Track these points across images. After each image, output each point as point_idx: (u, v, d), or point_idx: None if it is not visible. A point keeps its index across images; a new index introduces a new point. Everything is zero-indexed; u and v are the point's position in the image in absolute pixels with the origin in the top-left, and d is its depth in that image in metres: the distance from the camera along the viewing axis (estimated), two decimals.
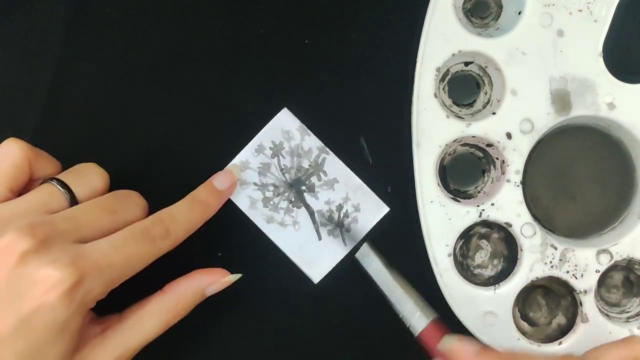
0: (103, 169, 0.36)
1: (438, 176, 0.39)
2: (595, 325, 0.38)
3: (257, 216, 0.39)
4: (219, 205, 0.37)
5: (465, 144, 0.40)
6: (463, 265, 0.40)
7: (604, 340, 0.36)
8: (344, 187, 0.39)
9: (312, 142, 0.39)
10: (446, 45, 0.38)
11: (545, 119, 0.38)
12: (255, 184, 0.39)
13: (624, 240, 0.39)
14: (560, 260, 0.38)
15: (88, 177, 0.35)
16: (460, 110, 0.40)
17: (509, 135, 0.38)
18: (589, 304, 0.38)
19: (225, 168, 0.39)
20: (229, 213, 0.39)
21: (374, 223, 0.40)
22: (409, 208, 0.39)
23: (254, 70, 0.40)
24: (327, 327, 0.40)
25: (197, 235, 0.35)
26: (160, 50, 0.40)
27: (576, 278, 0.38)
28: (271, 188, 0.39)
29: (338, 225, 0.40)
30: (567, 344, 0.38)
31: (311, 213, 0.39)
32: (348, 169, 0.39)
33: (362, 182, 0.39)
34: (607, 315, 0.39)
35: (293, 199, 0.39)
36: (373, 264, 0.37)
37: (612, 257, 0.38)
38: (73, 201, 0.33)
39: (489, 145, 0.39)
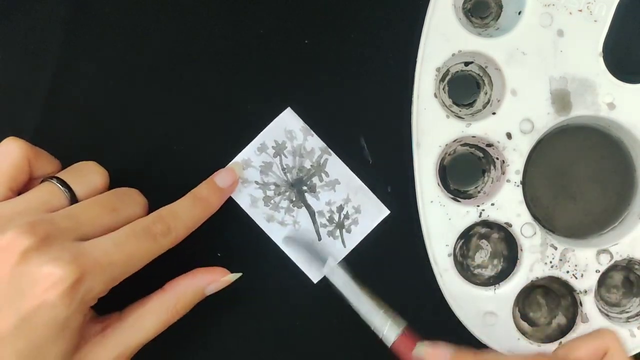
0: (103, 168, 0.36)
1: (438, 176, 0.39)
2: (595, 325, 0.38)
3: (258, 215, 0.39)
4: (221, 203, 0.37)
5: (465, 144, 0.40)
6: (463, 265, 0.40)
7: None
8: (345, 188, 0.39)
9: (315, 142, 0.39)
10: (446, 45, 0.38)
11: (545, 119, 0.38)
12: (256, 182, 0.39)
13: (624, 240, 0.39)
14: (560, 260, 0.38)
15: (88, 175, 0.35)
16: (460, 110, 0.40)
17: (509, 135, 0.38)
18: (589, 304, 0.38)
19: (227, 166, 0.39)
20: (230, 211, 0.39)
21: (374, 225, 0.40)
22: (409, 208, 0.39)
23: (253, 70, 0.40)
24: (327, 327, 0.40)
25: (197, 233, 0.35)
26: (160, 50, 0.40)
27: (576, 278, 0.38)
28: (272, 187, 0.39)
29: (338, 226, 0.40)
30: None
31: (312, 213, 0.39)
32: (349, 171, 0.39)
33: (363, 184, 0.39)
34: (607, 315, 0.39)
35: (294, 199, 0.39)
36: (340, 279, 0.37)
37: (612, 257, 0.38)
38: (73, 200, 0.33)
39: (489, 145, 0.39)
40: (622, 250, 0.39)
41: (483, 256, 0.40)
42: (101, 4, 0.39)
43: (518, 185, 0.38)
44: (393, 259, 0.39)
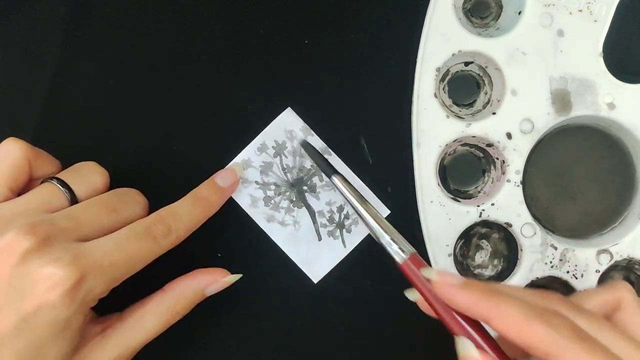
0: (103, 168, 0.36)
1: (438, 176, 0.39)
2: None
3: (258, 215, 0.39)
4: (221, 203, 0.37)
5: (465, 144, 0.40)
6: (463, 265, 0.40)
7: None
8: None
9: (315, 142, 0.39)
10: (446, 45, 0.38)
11: (545, 119, 0.38)
12: (256, 182, 0.39)
13: (624, 240, 0.39)
14: (561, 260, 0.38)
15: (88, 175, 0.35)
16: (460, 110, 0.40)
17: (509, 135, 0.38)
18: None
19: (227, 166, 0.39)
20: (230, 211, 0.39)
21: None
22: (409, 208, 0.39)
23: (253, 70, 0.40)
24: (327, 327, 0.40)
25: (197, 234, 0.35)
26: (160, 50, 0.40)
27: (576, 278, 0.38)
28: (273, 187, 0.39)
29: (338, 226, 0.40)
30: None
31: (312, 213, 0.39)
32: (350, 171, 0.39)
33: (363, 184, 0.39)
34: None
35: (294, 199, 0.39)
36: (349, 191, 0.34)
37: (612, 257, 0.38)
38: (73, 200, 0.33)
39: (489, 145, 0.39)
40: (622, 250, 0.39)
41: (483, 256, 0.40)
42: (101, 4, 0.39)
43: (518, 185, 0.38)
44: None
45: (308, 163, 0.39)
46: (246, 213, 0.39)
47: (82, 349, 0.31)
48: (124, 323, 0.33)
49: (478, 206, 0.38)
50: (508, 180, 0.38)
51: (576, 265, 0.38)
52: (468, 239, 0.40)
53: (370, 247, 0.39)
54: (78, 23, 0.39)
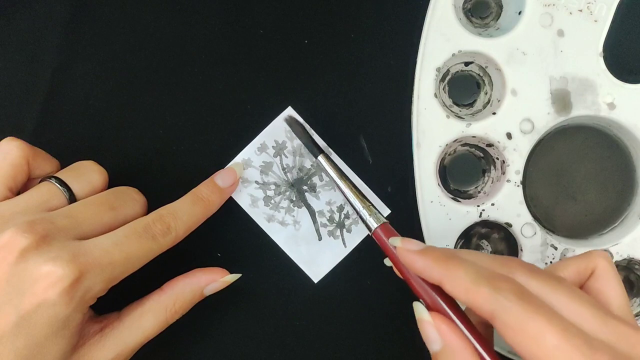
0: (102, 167, 0.36)
1: (438, 176, 0.39)
2: None
3: (258, 215, 0.39)
4: (221, 203, 0.37)
5: (465, 144, 0.40)
6: None
7: None
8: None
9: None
10: (446, 45, 0.38)
11: (546, 119, 0.38)
12: (256, 182, 0.39)
13: (624, 240, 0.39)
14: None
15: (87, 174, 0.35)
16: (460, 110, 0.40)
17: (509, 135, 0.38)
18: None
19: (227, 166, 0.39)
20: (230, 211, 0.39)
21: None
22: (409, 208, 0.39)
23: (253, 70, 0.40)
24: (327, 327, 0.40)
25: (197, 233, 0.35)
26: (160, 50, 0.40)
27: None
28: (273, 187, 0.39)
29: (338, 226, 0.39)
30: None
31: (312, 213, 0.39)
32: (350, 170, 0.39)
33: (364, 184, 0.39)
34: None
35: (294, 199, 0.39)
36: (331, 169, 0.36)
37: (612, 257, 0.38)
38: (72, 199, 0.33)
39: (489, 145, 0.39)
40: (622, 250, 0.39)
41: None
42: (101, 4, 0.40)
43: (518, 185, 0.38)
44: None
45: (308, 163, 0.39)
46: (246, 213, 0.39)
47: (81, 348, 0.31)
48: (123, 322, 0.33)
49: (478, 206, 0.38)
50: (508, 180, 0.38)
51: None
52: (468, 239, 0.40)
53: (370, 247, 0.39)
54: (78, 23, 0.39)
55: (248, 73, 0.40)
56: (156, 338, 0.34)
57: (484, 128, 0.38)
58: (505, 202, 0.38)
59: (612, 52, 0.38)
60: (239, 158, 0.39)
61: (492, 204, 0.38)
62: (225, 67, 0.40)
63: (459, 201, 0.39)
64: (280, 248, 0.39)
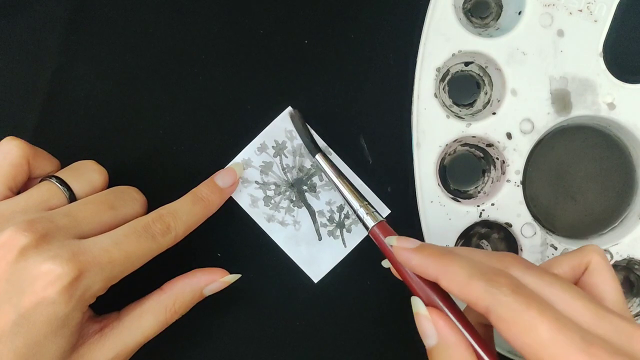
0: (102, 166, 0.36)
1: (438, 176, 0.39)
2: None
3: (258, 215, 0.39)
4: (221, 203, 0.37)
5: (465, 144, 0.40)
6: None
7: None
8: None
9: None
10: (446, 45, 0.38)
11: (546, 119, 0.38)
12: (256, 182, 0.39)
13: (624, 240, 0.39)
14: None
15: (87, 174, 0.35)
16: (460, 110, 0.40)
17: (509, 135, 0.38)
18: None
19: (227, 166, 0.39)
20: (230, 211, 0.39)
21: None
22: (409, 208, 0.39)
23: (253, 70, 0.40)
24: (327, 327, 0.40)
25: (197, 233, 0.35)
26: (159, 50, 0.40)
27: None
28: (273, 187, 0.39)
29: (338, 226, 0.39)
30: None
31: (312, 213, 0.39)
32: (350, 170, 0.39)
33: (364, 184, 0.39)
34: None
35: (294, 199, 0.39)
36: (329, 167, 0.37)
37: (612, 257, 0.38)
38: (72, 198, 0.33)
39: (489, 145, 0.39)
40: (622, 250, 0.38)
41: None
42: (101, 4, 0.40)
43: (518, 185, 0.38)
44: None
45: (308, 163, 0.39)
46: (246, 213, 0.39)
47: (80, 348, 0.31)
48: (122, 322, 0.33)
49: (478, 206, 0.38)
50: (508, 180, 0.38)
51: None
52: (468, 239, 0.40)
53: (370, 247, 0.39)
54: (78, 23, 0.40)
55: (248, 73, 0.40)
56: (156, 338, 0.34)
57: (484, 128, 0.38)
58: (505, 202, 0.38)
59: (612, 52, 0.38)
60: (239, 158, 0.39)
61: (492, 204, 0.38)
62: (225, 67, 0.40)
63: (459, 201, 0.39)
64: (280, 248, 0.39)
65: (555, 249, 0.38)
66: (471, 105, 0.40)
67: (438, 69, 0.38)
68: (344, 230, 0.39)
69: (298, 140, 0.39)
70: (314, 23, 0.40)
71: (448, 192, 0.40)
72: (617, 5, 0.38)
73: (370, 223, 0.34)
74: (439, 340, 0.28)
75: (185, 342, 0.39)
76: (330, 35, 0.40)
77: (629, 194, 0.40)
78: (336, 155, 0.39)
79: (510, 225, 0.39)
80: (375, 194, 0.39)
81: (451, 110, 0.40)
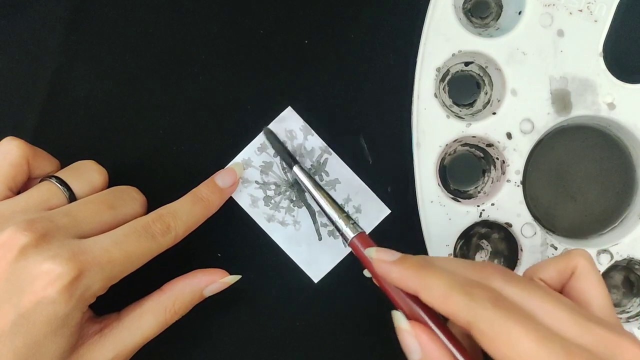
0: (102, 166, 0.36)
1: (438, 176, 0.39)
2: None
3: (258, 215, 0.39)
4: (221, 203, 0.37)
5: (465, 144, 0.40)
6: None
7: None
8: (345, 188, 0.39)
9: (315, 141, 0.39)
10: (446, 45, 0.38)
11: (546, 119, 0.38)
12: (256, 182, 0.39)
13: (624, 240, 0.39)
14: None
15: (87, 174, 0.35)
16: (460, 110, 0.40)
17: (509, 135, 0.38)
18: None
19: (227, 166, 0.39)
20: (230, 211, 0.39)
21: (375, 225, 0.39)
22: (409, 208, 0.39)
23: (253, 70, 0.40)
24: (328, 327, 0.40)
25: (197, 233, 0.35)
26: (159, 50, 0.40)
27: None
28: (273, 187, 0.39)
29: None
30: None
31: (312, 213, 0.39)
32: (350, 170, 0.39)
33: (364, 184, 0.39)
34: None
35: (294, 198, 0.39)
36: (307, 180, 0.37)
37: (612, 257, 0.38)
38: (72, 198, 0.33)
39: (489, 145, 0.39)
40: (622, 250, 0.38)
41: (483, 256, 0.40)
42: (101, 4, 0.39)
43: (518, 185, 0.38)
44: None
45: (308, 163, 0.39)
46: (246, 213, 0.39)
47: (80, 348, 0.31)
48: (122, 323, 0.33)
49: (478, 206, 0.38)
50: (508, 180, 0.38)
51: None
52: (468, 239, 0.40)
53: None
54: (78, 23, 0.39)
55: (248, 73, 0.40)
56: (156, 338, 0.34)
57: (484, 128, 0.38)
58: (505, 202, 0.38)
59: (612, 52, 0.38)
60: (239, 158, 0.39)
61: (492, 204, 0.38)
62: (225, 67, 0.40)
63: (459, 201, 0.39)
64: (281, 248, 0.39)
65: (556, 249, 0.38)
66: (471, 105, 0.40)
67: (438, 69, 0.38)
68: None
69: (298, 140, 0.39)
70: (314, 23, 0.40)
71: (448, 192, 0.40)
72: (617, 5, 0.38)
73: (350, 234, 0.34)
74: (423, 355, 0.28)
75: (185, 343, 0.39)
76: (330, 35, 0.40)
77: (629, 194, 0.40)
78: (336, 156, 0.39)
79: (510, 225, 0.39)
80: (376, 194, 0.39)
81: (451, 110, 0.40)
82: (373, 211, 0.39)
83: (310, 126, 0.39)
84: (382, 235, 0.39)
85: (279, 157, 0.39)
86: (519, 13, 0.38)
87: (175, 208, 0.34)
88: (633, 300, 0.40)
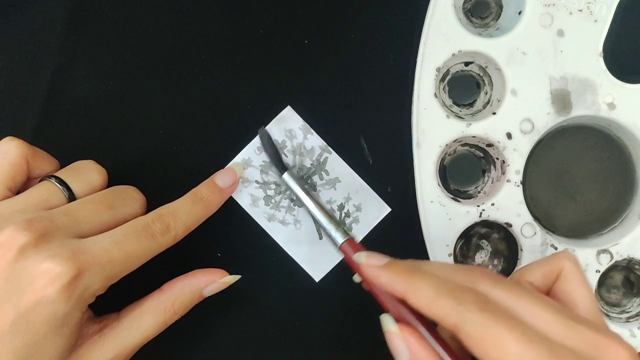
0: (101, 166, 0.36)
1: (438, 176, 0.39)
2: None
3: (259, 214, 0.39)
4: (221, 203, 0.37)
5: (465, 144, 0.40)
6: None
7: None
8: (345, 186, 0.39)
9: (315, 141, 0.39)
10: (446, 45, 0.38)
11: (546, 119, 0.38)
12: (257, 182, 0.39)
13: (624, 240, 0.39)
14: None
15: (86, 174, 0.35)
16: (460, 110, 0.40)
17: (509, 135, 0.38)
18: None
19: (227, 166, 0.39)
20: (230, 211, 0.39)
21: (375, 223, 0.39)
22: (409, 208, 0.39)
23: (253, 70, 0.40)
24: (329, 327, 0.39)
25: (197, 233, 0.35)
26: (160, 50, 0.40)
27: None
28: (273, 186, 0.39)
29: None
30: None
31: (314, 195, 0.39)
32: (350, 169, 0.39)
33: (364, 182, 0.39)
34: (607, 316, 0.39)
35: (295, 198, 0.39)
36: (297, 187, 0.37)
37: (612, 257, 0.38)
38: (71, 198, 0.33)
39: (489, 145, 0.39)
40: (622, 250, 0.38)
41: (483, 256, 0.40)
42: (101, 4, 0.39)
43: (518, 185, 0.38)
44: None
45: (308, 162, 0.39)
46: (246, 212, 0.39)
47: (80, 348, 0.31)
48: (122, 323, 0.33)
49: (478, 206, 0.38)
50: (508, 180, 0.38)
51: None
52: (468, 239, 0.40)
53: (371, 245, 0.39)
54: (77, 23, 0.39)
55: (248, 73, 0.40)
56: (156, 338, 0.34)
57: (484, 128, 0.38)
58: (505, 202, 0.38)
59: (612, 52, 0.38)
60: (239, 158, 0.39)
61: (492, 204, 0.38)
62: (225, 67, 0.40)
63: (459, 201, 0.39)
64: (281, 247, 0.39)
65: (556, 248, 0.38)
66: (471, 105, 0.40)
67: (438, 69, 0.38)
68: (345, 229, 0.39)
69: (298, 139, 0.39)
70: (314, 23, 0.40)
71: (448, 192, 0.40)
72: (617, 5, 0.38)
73: (339, 240, 0.35)
74: (411, 357, 0.28)
75: (185, 343, 0.39)
76: (330, 35, 0.40)
77: (629, 194, 0.40)
78: (336, 155, 0.39)
79: (510, 225, 0.39)
80: (376, 194, 0.39)
81: (451, 110, 0.40)
82: (373, 210, 0.39)
83: (310, 126, 0.39)
84: (382, 236, 0.39)
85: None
86: (519, 13, 0.38)
87: (175, 208, 0.34)
88: (633, 300, 0.40)
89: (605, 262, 0.38)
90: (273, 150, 0.38)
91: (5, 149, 0.34)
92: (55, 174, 0.34)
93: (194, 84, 0.40)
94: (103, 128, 0.39)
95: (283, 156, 0.39)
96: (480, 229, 0.40)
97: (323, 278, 0.39)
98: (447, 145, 0.38)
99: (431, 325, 0.29)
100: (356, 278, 0.33)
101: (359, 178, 0.39)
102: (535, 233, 0.38)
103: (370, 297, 0.39)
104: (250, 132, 0.39)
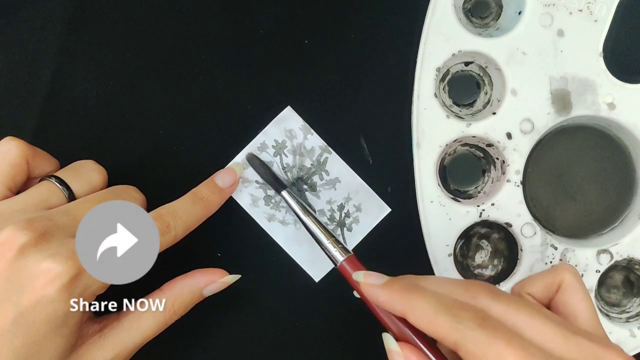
0: (101, 166, 0.36)
1: (438, 176, 0.39)
2: None
3: (259, 214, 0.39)
4: (221, 203, 0.37)
5: (465, 144, 0.40)
6: (463, 265, 0.40)
7: None
8: (345, 186, 0.39)
9: (315, 141, 0.39)
10: (446, 45, 0.38)
11: (546, 119, 0.38)
12: (257, 181, 0.39)
13: (624, 240, 0.39)
14: (561, 260, 0.38)
15: (86, 174, 0.35)
16: (460, 110, 0.40)
17: (509, 135, 0.38)
18: None
19: (227, 166, 0.39)
20: (231, 211, 0.39)
21: (375, 223, 0.39)
22: (409, 208, 0.39)
23: (253, 70, 0.40)
24: (329, 326, 0.39)
25: (197, 233, 0.35)
26: (160, 50, 0.40)
27: None
28: None
29: (339, 225, 0.39)
30: None
31: (313, 211, 0.39)
32: (350, 169, 0.39)
33: (364, 182, 0.39)
34: (607, 316, 0.39)
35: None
36: (296, 205, 0.37)
37: (612, 257, 0.38)
38: (71, 198, 0.33)
39: (489, 145, 0.39)
40: (622, 250, 0.38)
41: (483, 256, 0.40)
42: (101, 4, 0.39)
43: (518, 185, 0.38)
44: (393, 259, 0.39)
45: (308, 162, 0.39)
46: (247, 212, 0.39)
47: (79, 348, 0.31)
48: (122, 323, 0.33)
49: (478, 206, 0.38)
50: (508, 180, 0.38)
51: (576, 265, 0.38)
52: (468, 239, 0.40)
53: (371, 245, 0.39)
54: (78, 23, 0.39)
55: (248, 73, 0.40)
56: (156, 338, 0.34)
57: (484, 128, 0.38)
58: (505, 202, 0.38)
59: (612, 52, 0.38)
60: (238, 158, 0.39)
61: (492, 204, 0.38)
62: (225, 67, 0.40)
63: (459, 201, 0.39)
64: (281, 247, 0.39)
65: (556, 248, 0.38)
66: (471, 105, 0.40)
67: (438, 69, 0.38)
68: (345, 229, 0.39)
69: (298, 140, 0.39)
70: (314, 23, 0.40)
71: (448, 192, 0.40)
72: (617, 5, 0.38)
73: (339, 258, 0.34)
74: None
75: (185, 342, 0.39)
76: (330, 35, 0.40)
77: (629, 194, 0.40)
78: (336, 155, 0.39)
79: (510, 225, 0.39)
80: (376, 194, 0.39)
81: (451, 110, 0.40)
82: (373, 210, 0.39)
83: (310, 126, 0.39)
84: (382, 236, 0.39)
85: (278, 157, 0.39)
86: (519, 13, 0.38)
87: (175, 207, 0.34)
88: (633, 300, 0.40)
89: (605, 262, 0.38)
90: (267, 171, 0.38)
91: (5, 149, 0.34)
92: (55, 174, 0.34)
93: (194, 84, 0.40)
94: (103, 128, 0.39)
95: (284, 156, 0.39)
96: (480, 229, 0.40)
97: (323, 278, 0.39)
98: (447, 145, 0.38)
99: (432, 343, 0.30)
100: (357, 294, 0.33)
101: (359, 178, 0.39)
102: (535, 233, 0.38)
103: None
104: (250, 132, 0.39)
